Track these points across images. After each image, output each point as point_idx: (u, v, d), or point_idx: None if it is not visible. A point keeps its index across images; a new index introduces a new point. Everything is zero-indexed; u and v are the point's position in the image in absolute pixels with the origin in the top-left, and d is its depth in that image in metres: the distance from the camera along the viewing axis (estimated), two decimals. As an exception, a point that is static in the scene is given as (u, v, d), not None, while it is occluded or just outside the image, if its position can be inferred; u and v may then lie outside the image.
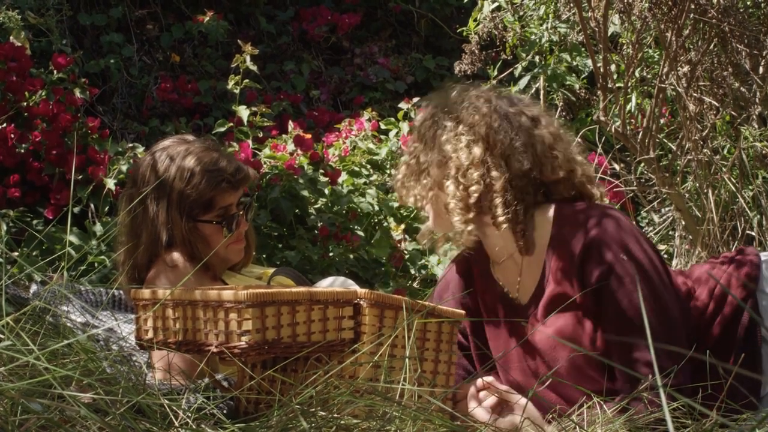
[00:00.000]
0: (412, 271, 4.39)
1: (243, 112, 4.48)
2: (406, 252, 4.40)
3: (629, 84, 3.70)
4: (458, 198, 2.22)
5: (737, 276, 2.25)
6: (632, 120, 4.11)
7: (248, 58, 4.36)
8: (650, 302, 2.12)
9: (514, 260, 2.30)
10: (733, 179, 3.86)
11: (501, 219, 2.20)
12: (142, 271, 2.65)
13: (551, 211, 2.25)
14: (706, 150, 3.74)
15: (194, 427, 1.73)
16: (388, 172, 4.93)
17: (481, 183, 2.20)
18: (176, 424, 1.70)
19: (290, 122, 4.91)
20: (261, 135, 4.69)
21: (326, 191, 4.40)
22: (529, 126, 2.26)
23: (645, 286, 2.12)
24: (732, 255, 2.32)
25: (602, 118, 3.54)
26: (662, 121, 4.30)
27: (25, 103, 4.25)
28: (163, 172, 2.65)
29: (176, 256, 2.62)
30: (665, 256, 4.18)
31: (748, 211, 3.91)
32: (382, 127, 5.24)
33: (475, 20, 4.29)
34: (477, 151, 2.21)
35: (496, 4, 4.27)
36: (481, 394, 2.15)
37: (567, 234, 2.20)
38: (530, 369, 2.26)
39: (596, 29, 3.45)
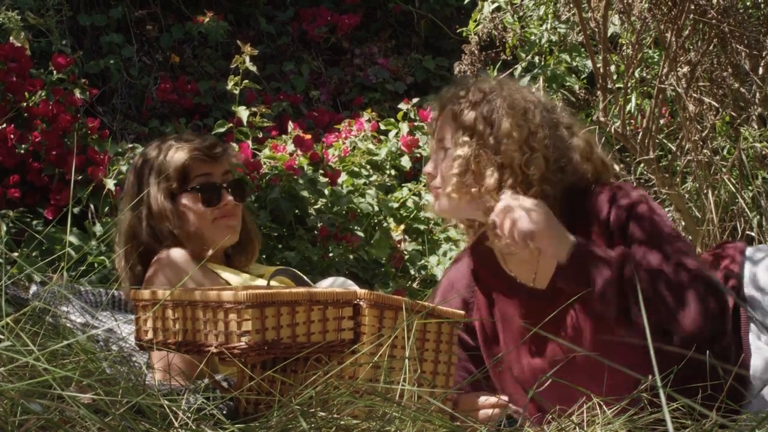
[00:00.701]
0: (412, 272, 4.39)
1: (243, 112, 4.48)
2: (405, 252, 4.40)
3: (629, 84, 3.70)
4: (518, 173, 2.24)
5: (719, 266, 2.30)
6: (632, 120, 4.11)
7: (248, 59, 4.36)
8: (674, 232, 2.23)
9: (530, 250, 2.31)
10: (732, 180, 3.86)
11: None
12: (142, 271, 2.66)
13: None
14: (705, 150, 3.74)
15: (194, 427, 1.73)
16: (387, 172, 4.93)
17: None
18: (176, 424, 1.70)
19: (290, 123, 4.91)
20: (261, 135, 4.70)
21: (326, 192, 4.40)
22: (567, 136, 2.32)
23: (667, 224, 2.23)
24: (715, 248, 2.37)
25: (602, 119, 3.54)
26: (662, 121, 4.30)
27: (25, 104, 4.24)
28: (143, 164, 2.72)
29: (175, 252, 2.62)
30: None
31: (748, 212, 3.91)
32: (382, 127, 5.24)
33: (474, 21, 4.29)
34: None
35: (495, 4, 4.27)
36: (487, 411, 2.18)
37: (589, 209, 2.26)
38: (563, 352, 2.26)
39: (596, 30, 3.45)
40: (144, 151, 2.77)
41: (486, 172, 2.24)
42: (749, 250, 2.32)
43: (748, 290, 2.26)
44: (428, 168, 2.37)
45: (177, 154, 2.67)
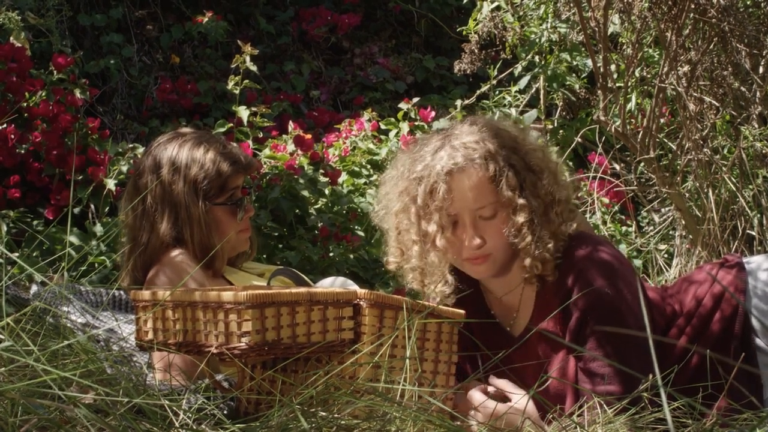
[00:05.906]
0: (413, 271, 4.38)
1: (243, 112, 4.48)
2: (406, 252, 4.40)
3: (629, 84, 3.70)
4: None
5: (727, 280, 2.28)
6: (632, 119, 4.11)
7: (248, 59, 4.36)
8: (622, 347, 2.15)
9: (514, 294, 2.30)
10: (733, 179, 3.86)
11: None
12: (144, 270, 2.64)
13: None
14: (706, 149, 3.74)
15: (194, 427, 1.73)
16: (388, 172, 4.92)
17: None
18: (176, 424, 1.70)
19: (290, 122, 4.91)
20: (261, 135, 4.69)
21: (326, 191, 4.40)
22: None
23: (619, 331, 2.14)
24: (719, 262, 2.35)
25: (602, 118, 3.54)
26: (662, 120, 4.30)
27: (25, 104, 4.24)
28: (172, 163, 2.64)
29: (178, 253, 2.61)
30: (665, 255, 4.19)
31: (749, 211, 3.91)
32: (382, 127, 5.24)
33: (474, 20, 4.29)
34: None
35: (495, 3, 4.26)
36: (481, 395, 2.16)
37: (557, 282, 2.21)
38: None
39: (596, 29, 3.45)
40: (162, 151, 2.67)
41: (550, 214, 2.21)
42: (751, 265, 2.31)
43: (755, 301, 2.26)
44: (476, 241, 2.20)
45: (218, 166, 2.63)
